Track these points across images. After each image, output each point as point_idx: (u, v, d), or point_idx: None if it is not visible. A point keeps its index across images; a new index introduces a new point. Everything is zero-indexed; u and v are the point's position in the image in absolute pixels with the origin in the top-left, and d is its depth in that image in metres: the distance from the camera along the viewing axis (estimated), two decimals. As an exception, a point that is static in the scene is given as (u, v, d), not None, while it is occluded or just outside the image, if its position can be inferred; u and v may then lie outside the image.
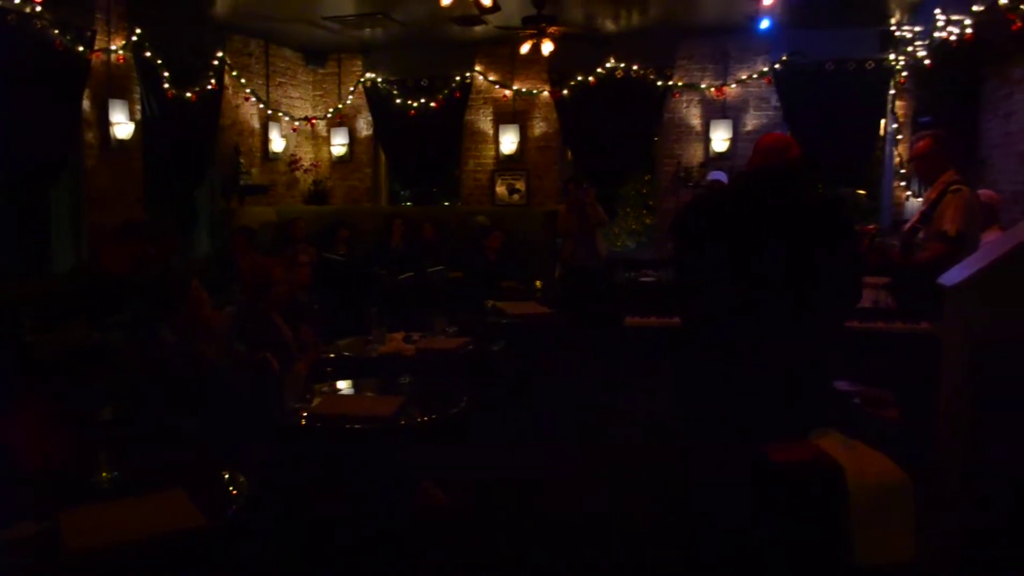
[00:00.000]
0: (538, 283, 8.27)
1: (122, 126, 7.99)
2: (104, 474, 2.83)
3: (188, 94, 8.75)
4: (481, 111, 10.95)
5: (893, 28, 8.86)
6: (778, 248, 3.53)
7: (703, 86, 10.09)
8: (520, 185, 10.89)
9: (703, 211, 3.99)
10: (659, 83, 10.07)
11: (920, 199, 6.32)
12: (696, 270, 3.83)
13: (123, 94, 8.09)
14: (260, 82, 10.43)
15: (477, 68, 10.76)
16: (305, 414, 3.87)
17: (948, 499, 3.24)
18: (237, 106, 10.01)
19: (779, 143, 3.77)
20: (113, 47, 7.95)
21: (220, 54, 9.40)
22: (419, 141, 10.81)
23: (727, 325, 3.65)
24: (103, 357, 3.56)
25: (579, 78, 10.19)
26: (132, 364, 3.53)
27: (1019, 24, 5.34)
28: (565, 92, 10.31)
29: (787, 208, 3.65)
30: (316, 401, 4.08)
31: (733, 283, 3.61)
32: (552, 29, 7.70)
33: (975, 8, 5.88)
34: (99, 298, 5.26)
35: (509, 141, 10.80)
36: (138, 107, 8.30)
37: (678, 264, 4.11)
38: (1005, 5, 5.32)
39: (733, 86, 10.01)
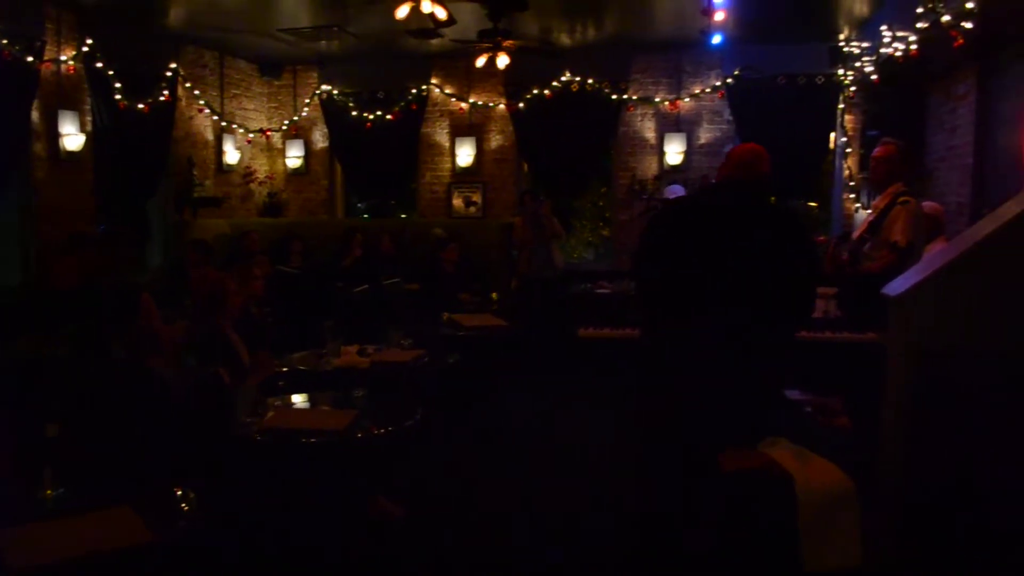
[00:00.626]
0: (494, 295, 8.28)
1: (72, 137, 7.88)
2: (48, 491, 2.79)
3: (140, 105, 8.66)
4: (438, 124, 10.96)
5: (842, 44, 9.04)
6: (737, 258, 3.58)
7: (657, 100, 10.21)
8: (476, 197, 10.91)
9: (668, 221, 4.03)
10: (614, 96, 10.16)
11: (868, 211, 6.44)
12: (657, 279, 3.86)
13: (74, 105, 7.99)
14: (214, 93, 10.35)
15: (433, 81, 10.78)
16: (257, 428, 3.84)
17: (890, 505, 3.30)
18: (191, 117, 9.91)
19: (751, 155, 3.81)
20: (63, 57, 7.85)
21: (173, 65, 9.32)
22: (375, 153, 10.79)
23: (685, 334, 3.69)
24: (47, 372, 3.49)
25: (535, 91, 10.26)
26: (78, 380, 3.47)
27: (961, 41, 5.47)
28: (521, 105, 10.36)
29: (749, 219, 3.70)
30: (269, 415, 4.05)
31: (691, 292, 3.65)
32: (508, 43, 7.74)
33: (919, 25, 6.02)
34: (44, 313, 5.18)
35: (465, 154, 10.82)
36: (89, 118, 8.20)
37: (640, 273, 4.14)
38: (948, 23, 5.45)
39: (687, 100, 10.13)
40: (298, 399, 4.54)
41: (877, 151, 5.22)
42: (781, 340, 3.77)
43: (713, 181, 5.88)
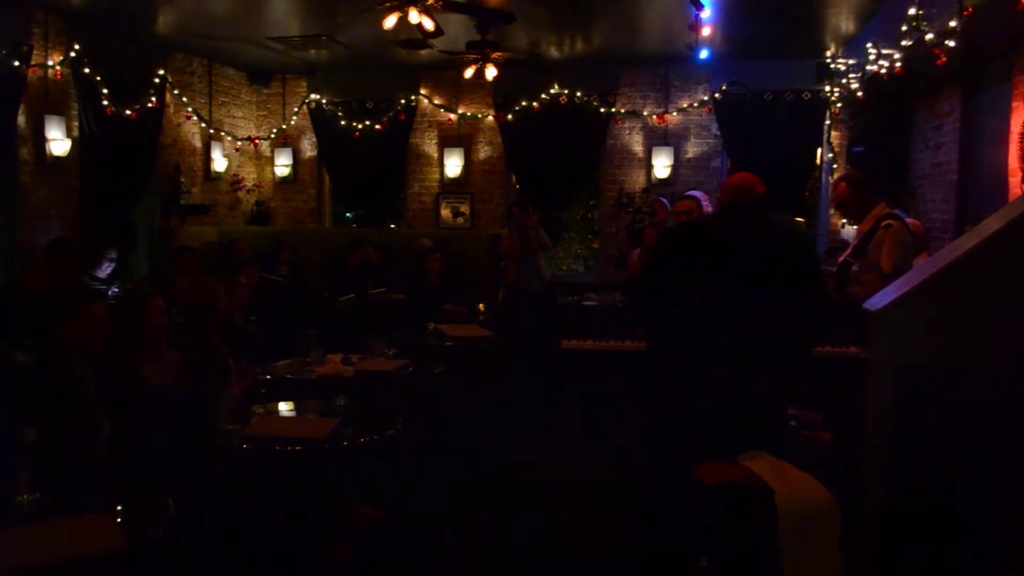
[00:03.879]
0: (481, 306, 8.27)
1: (59, 142, 7.85)
2: (25, 496, 2.76)
3: (128, 111, 8.64)
4: (426, 134, 10.98)
5: (828, 61, 9.12)
6: (744, 280, 3.66)
7: (645, 113, 10.26)
8: (464, 208, 10.92)
9: (674, 244, 4.12)
10: (602, 110, 10.21)
11: (855, 227, 6.49)
12: (663, 301, 3.94)
13: (60, 110, 7.96)
14: (203, 101, 10.34)
15: (422, 91, 10.80)
16: (239, 436, 3.83)
17: (871, 518, 3.31)
18: (179, 124, 9.90)
19: (745, 181, 3.91)
20: (51, 62, 7.83)
21: (161, 72, 9.30)
22: (364, 163, 10.80)
23: (690, 350, 3.75)
24: (22, 376, 3.47)
25: (523, 103, 10.29)
26: (54, 382, 3.44)
27: (944, 59, 5.52)
28: (510, 117, 10.39)
29: (754, 243, 3.78)
30: (251, 422, 4.04)
31: (697, 314, 3.71)
32: (496, 54, 7.77)
33: (904, 43, 6.07)
34: (11, 320, 5.15)
35: (454, 164, 10.84)
36: (76, 123, 8.17)
37: (644, 290, 4.20)
38: (932, 41, 5.50)
39: (675, 114, 10.19)
40: (282, 407, 4.53)
41: (833, 195, 5.26)
42: (790, 358, 3.82)
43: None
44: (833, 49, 9.10)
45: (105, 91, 8.33)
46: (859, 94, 7.96)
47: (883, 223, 5.00)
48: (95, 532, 2.55)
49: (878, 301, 3.56)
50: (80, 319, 3.55)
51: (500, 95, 10.40)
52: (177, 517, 2.77)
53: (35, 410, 3.20)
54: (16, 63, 7.23)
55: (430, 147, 10.99)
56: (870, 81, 7.42)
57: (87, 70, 8.14)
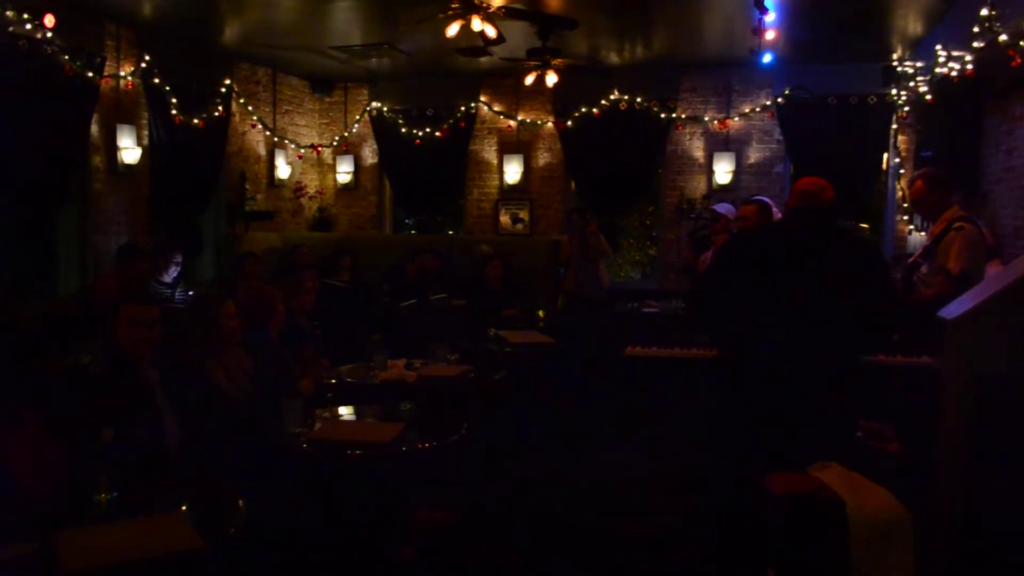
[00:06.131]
0: (541, 312, 8.28)
1: (130, 151, 8.06)
2: (103, 495, 2.83)
3: (195, 120, 8.83)
4: (486, 141, 11.02)
5: (895, 63, 8.93)
6: (816, 284, 3.62)
7: (706, 119, 10.16)
8: (524, 215, 10.93)
9: (739, 249, 4.10)
10: (662, 115, 10.14)
11: (923, 233, 6.34)
12: (728, 306, 3.91)
13: (131, 119, 8.17)
14: (267, 109, 10.52)
15: (482, 98, 10.85)
16: (305, 439, 3.88)
17: (948, 534, 3.22)
18: (244, 133, 10.09)
19: (815, 186, 3.89)
20: (122, 73, 8.04)
21: (228, 81, 9.49)
22: (424, 170, 10.87)
23: (759, 358, 3.72)
24: (97, 378, 3.54)
25: (583, 109, 10.27)
26: (128, 385, 3.51)
27: (1019, 61, 5.37)
28: (569, 123, 10.38)
29: (823, 247, 3.74)
30: (317, 426, 4.08)
31: (765, 319, 3.68)
32: (556, 61, 7.77)
33: (976, 45, 5.92)
34: (87, 324, 5.29)
35: (513, 171, 10.86)
36: (146, 132, 8.38)
37: (710, 296, 4.18)
38: (1005, 42, 5.36)
39: (736, 119, 10.08)
40: (345, 411, 4.57)
41: (910, 191, 5.16)
42: (857, 366, 3.79)
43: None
44: (900, 52, 8.91)
45: (174, 101, 8.53)
46: (927, 97, 7.78)
47: (955, 224, 4.89)
48: (171, 532, 2.60)
49: (954, 310, 3.47)
50: (124, 319, 3.58)
51: (560, 101, 10.39)
52: (248, 518, 2.81)
53: (106, 412, 3.27)
54: (90, 74, 7.44)
55: (490, 154, 11.03)
56: (939, 84, 7.25)
57: (157, 80, 8.35)
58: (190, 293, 7.13)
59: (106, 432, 2.92)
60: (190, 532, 2.59)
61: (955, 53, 6.51)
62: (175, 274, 7.34)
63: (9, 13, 6.52)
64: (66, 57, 7.14)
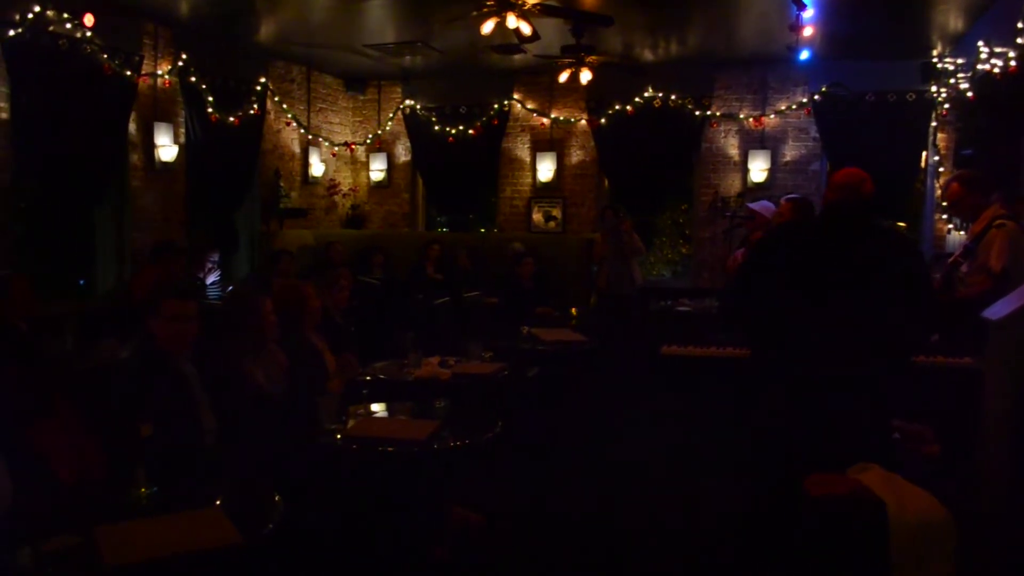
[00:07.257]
0: (573, 310, 8.25)
1: (167, 149, 8.15)
2: (142, 490, 2.85)
3: (231, 118, 8.91)
4: (519, 139, 11.01)
5: (935, 60, 8.80)
6: (853, 281, 3.56)
7: (741, 116, 10.08)
8: (556, 212, 10.92)
9: (774, 244, 4.04)
10: (697, 113, 10.07)
11: (963, 232, 6.23)
12: (769, 301, 3.86)
13: (168, 117, 8.27)
14: (301, 107, 10.59)
15: (515, 96, 10.84)
16: (340, 435, 3.89)
17: (991, 538, 3.17)
18: (278, 131, 10.16)
19: (854, 179, 3.80)
20: (160, 72, 8.13)
21: (263, 79, 9.57)
22: (456, 168, 10.90)
23: (798, 356, 3.67)
24: (136, 373, 3.57)
25: (617, 107, 10.23)
26: (167, 380, 3.54)
27: (1065, 57, 5.28)
28: (603, 120, 10.34)
29: (860, 243, 3.68)
30: (351, 423, 4.09)
31: (806, 315, 3.63)
32: (590, 58, 7.75)
33: (1020, 41, 5.82)
34: (124, 320, 5.35)
35: (546, 169, 10.85)
36: (182, 130, 8.47)
37: (746, 293, 4.13)
38: (1051, 38, 5.27)
39: (772, 116, 9.99)
40: (378, 408, 4.57)
41: (945, 193, 5.07)
42: (896, 363, 3.71)
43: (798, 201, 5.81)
44: (940, 48, 8.78)
45: (210, 99, 8.62)
46: (969, 94, 7.66)
47: (996, 222, 4.80)
48: (209, 527, 2.61)
49: (998, 310, 3.40)
50: (164, 314, 3.61)
51: (593, 99, 10.36)
52: (285, 513, 2.82)
53: (144, 407, 3.30)
54: (128, 73, 7.53)
55: (523, 151, 11.02)
56: (981, 81, 7.13)
57: (193, 79, 8.44)
58: (229, 288, 7.20)
59: (145, 427, 2.95)
60: (228, 527, 2.60)
61: (998, 49, 6.41)
62: (215, 278, 7.42)
63: (49, 13, 6.62)
64: (105, 56, 7.24)
